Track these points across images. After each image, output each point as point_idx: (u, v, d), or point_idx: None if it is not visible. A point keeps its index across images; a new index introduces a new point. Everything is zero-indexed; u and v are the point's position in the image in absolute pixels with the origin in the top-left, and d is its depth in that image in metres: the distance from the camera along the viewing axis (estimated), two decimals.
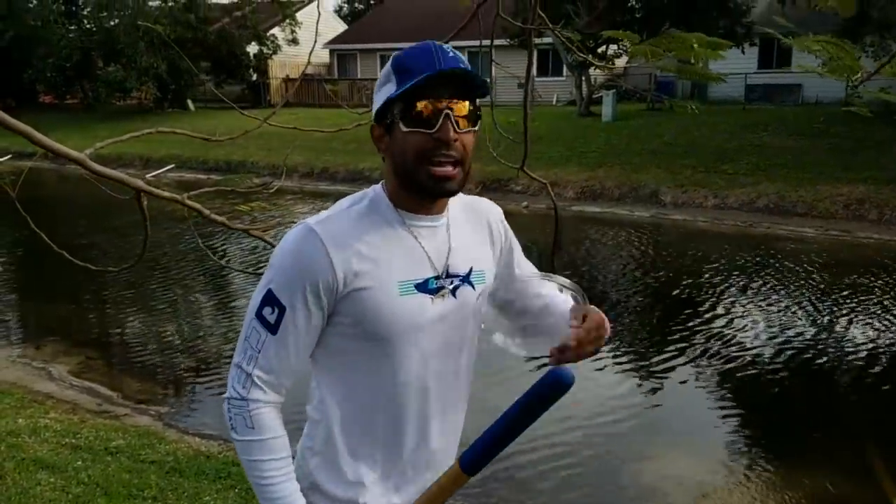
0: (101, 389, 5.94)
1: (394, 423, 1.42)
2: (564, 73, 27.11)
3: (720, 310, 7.98)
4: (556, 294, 1.55)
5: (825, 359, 6.56)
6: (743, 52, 21.05)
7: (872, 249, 10.85)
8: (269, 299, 1.33)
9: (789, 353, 6.67)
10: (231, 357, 1.40)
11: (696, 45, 1.77)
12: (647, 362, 6.57)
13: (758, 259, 10.40)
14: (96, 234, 11.81)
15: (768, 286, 8.93)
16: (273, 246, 1.48)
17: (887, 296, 8.41)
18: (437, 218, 1.43)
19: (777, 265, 10.00)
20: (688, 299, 8.49)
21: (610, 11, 20.74)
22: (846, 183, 13.47)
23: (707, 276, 9.53)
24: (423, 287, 1.39)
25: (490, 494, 4.37)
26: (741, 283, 9.13)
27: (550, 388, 1.27)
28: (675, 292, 8.82)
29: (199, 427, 5.23)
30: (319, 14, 3.56)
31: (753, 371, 6.29)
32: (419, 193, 1.37)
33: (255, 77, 33.03)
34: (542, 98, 27.20)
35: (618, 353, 6.76)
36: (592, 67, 22.00)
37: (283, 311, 1.32)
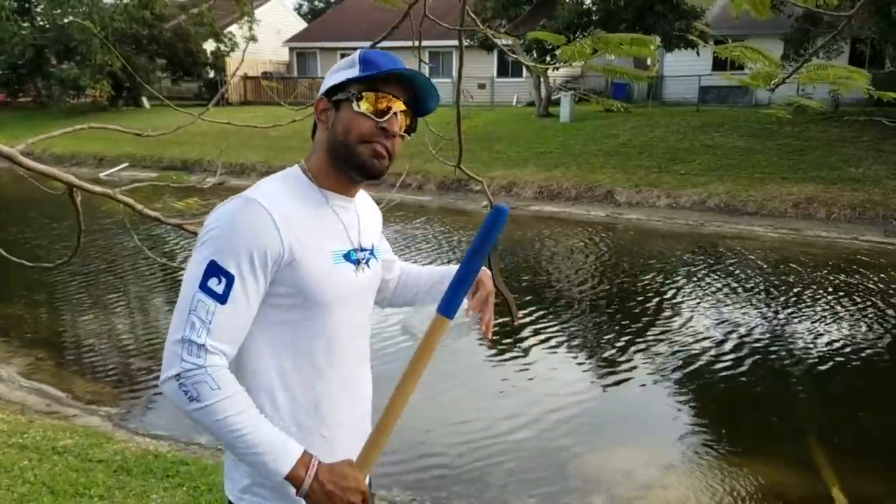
0: (50, 390, 5.86)
1: (332, 381, 1.51)
2: (524, 75, 27.35)
3: (672, 307, 8.16)
4: (408, 268, 1.88)
5: (773, 354, 6.75)
6: (698, 55, 21.43)
7: (820, 248, 11.17)
8: (214, 270, 1.36)
9: (738, 349, 6.85)
10: None
11: (621, 45, 1.84)
12: (600, 358, 6.69)
13: (708, 258, 10.64)
14: (45, 231, 11.60)
15: (718, 284, 9.15)
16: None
17: (834, 293, 8.67)
18: (350, 199, 1.57)
19: (727, 264, 10.25)
20: (641, 297, 8.66)
21: (568, 14, 20.95)
22: (795, 182, 13.84)
23: (659, 274, 9.72)
24: (347, 257, 1.52)
25: (441, 489, 4.43)
26: (692, 281, 9.34)
27: (494, 220, 1.50)
28: (628, 290, 8.99)
29: (148, 427, 5.21)
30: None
31: (703, 366, 6.45)
32: (351, 169, 1.49)
33: (212, 74, 32.64)
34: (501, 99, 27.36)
35: (571, 349, 6.88)
36: (548, 68, 22.22)
37: (231, 279, 1.36)
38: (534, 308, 7.94)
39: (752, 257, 10.56)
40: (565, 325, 7.59)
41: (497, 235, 1.52)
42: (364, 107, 1.46)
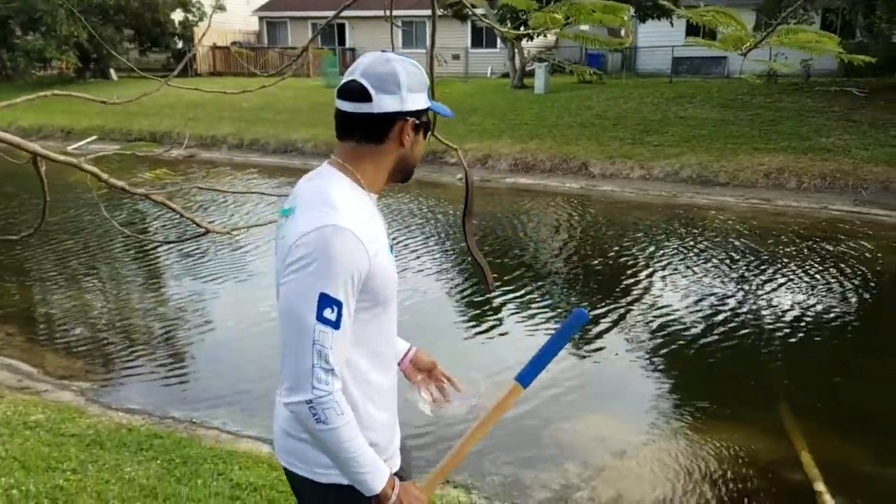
0: (21, 366, 5.78)
1: (392, 370, 1.76)
2: (499, 45, 27.17)
3: (644, 277, 8.24)
4: None
5: (744, 322, 6.85)
6: (671, 25, 21.43)
7: (791, 217, 11.30)
8: (327, 301, 1.49)
9: (710, 317, 6.95)
10: None
11: (594, 12, 1.83)
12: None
13: (681, 228, 10.73)
14: (26, 205, 11.38)
15: (691, 254, 9.24)
16: (175, 211, 1.56)
17: (805, 262, 8.80)
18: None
19: (699, 234, 10.35)
20: (614, 268, 8.73)
21: None
22: (766, 152, 13.96)
23: (632, 245, 9.79)
24: (391, 250, 1.69)
25: (416, 458, 4.45)
26: (664, 251, 9.42)
27: (575, 320, 1.86)
28: (602, 261, 9.05)
29: (122, 402, 5.17)
30: None
31: (675, 334, 6.53)
32: (401, 181, 1.72)
33: (180, 45, 32.02)
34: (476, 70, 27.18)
35: (546, 319, 6.92)
36: (522, 39, 22.08)
37: (340, 307, 1.51)
38: (509, 278, 7.97)
39: (724, 227, 10.67)
40: (540, 296, 7.63)
41: (575, 333, 1.96)
42: (424, 136, 1.71)
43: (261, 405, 5.12)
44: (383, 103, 1.58)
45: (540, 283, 8.09)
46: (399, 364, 1.96)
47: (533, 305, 7.32)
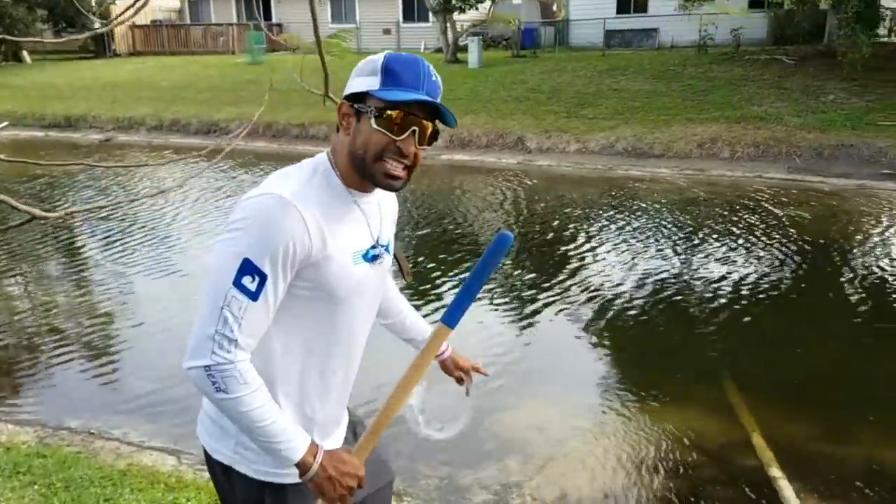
0: None
1: (336, 368, 1.65)
2: (431, 20, 26.60)
3: (582, 254, 7.95)
4: (393, 294, 2.04)
5: (683, 297, 6.63)
6: None
7: (725, 186, 11.20)
8: (249, 268, 1.41)
9: (648, 292, 6.70)
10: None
11: None
12: (510, 310, 6.41)
13: (618, 201, 10.51)
14: None
15: (628, 227, 9.01)
16: None
17: (740, 232, 8.65)
18: (373, 194, 1.63)
19: (636, 206, 10.14)
20: (551, 245, 8.42)
21: None
22: (699, 123, 13.88)
23: (570, 220, 9.52)
24: (366, 256, 1.59)
25: None
26: (602, 226, 9.18)
27: (498, 246, 1.66)
28: (539, 238, 8.74)
29: (10, 413, 4.60)
30: None
31: (614, 313, 6.26)
32: (367, 181, 1.55)
33: (98, 25, 30.46)
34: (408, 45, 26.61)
35: (481, 301, 6.56)
36: (452, 12, 21.63)
37: (264, 279, 1.43)
38: (444, 258, 7.59)
39: (660, 199, 10.50)
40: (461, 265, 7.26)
41: (500, 260, 1.70)
42: (380, 124, 1.49)
43: (168, 411, 4.63)
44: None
45: (474, 262, 7.72)
46: (438, 357, 2.06)
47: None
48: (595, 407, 4.71)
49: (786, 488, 3.71)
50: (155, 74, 22.70)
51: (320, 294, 1.53)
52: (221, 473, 1.69)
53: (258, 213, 1.45)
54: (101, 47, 30.10)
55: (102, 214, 9.36)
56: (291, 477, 1.61)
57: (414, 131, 1.51)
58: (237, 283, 1.43)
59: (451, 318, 1.71)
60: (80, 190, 11.46)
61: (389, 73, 1.50)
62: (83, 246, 8.62)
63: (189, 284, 7.07)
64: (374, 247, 1.62)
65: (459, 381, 2.12)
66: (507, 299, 6.66)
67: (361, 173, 1.54)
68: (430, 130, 1.54)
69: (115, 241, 8.59)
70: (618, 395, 4.86)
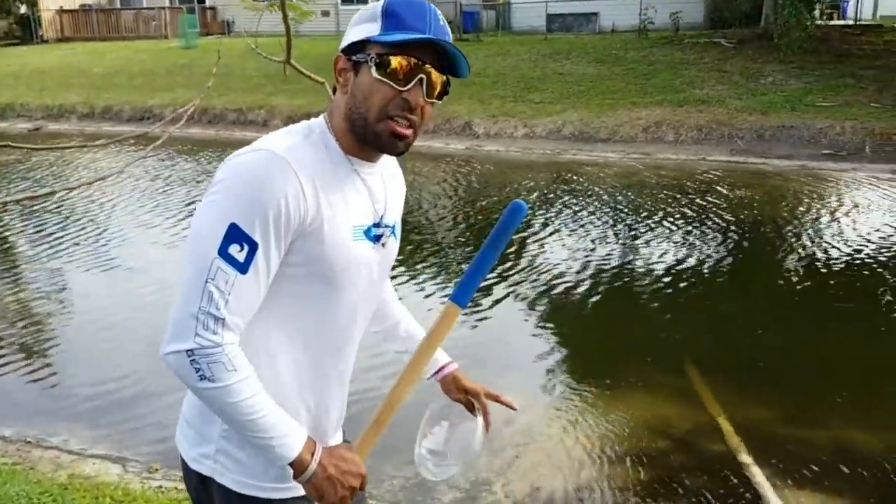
0: None
1: (330, 359, 1.44)
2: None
3: (533, 240, 7.86)
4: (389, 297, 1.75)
5: (640, 282, 6.59)
6: None
7: (671, 170, 11.27)
8: (237, 235, 1.22)
9: (607, 279, 6.64)
10: None
11: None
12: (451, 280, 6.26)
13: (566, 186, 10.47)
14: None
15: (581, 214, 8.97)
16: None
17: (688, 215, 8.69)
18: (376, 165, 1.43)
19: (584, 191, 10.12)
20: (486, 221, 8.30)
21: None
22: (643, 107, 13.94)
23: (509, 197, 9.42)
24: (368, 234, 1.39)
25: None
26: (555, 212, 9.10)
27: (511, 216, 1.49)
28: (488, 225, 8.62)
29: None
30: None
31: (570, 300, 6.18)
32: (368, 143, 1.35)
33: (23, 10, 29.13)
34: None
35: (431, 291, 6.40)
36: None
37: (254, 247, 1.23)
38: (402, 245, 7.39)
39: (608, 184, 10.49)
40: (424, 265, 7.11)
41: (514, 230, 1.52)
42: (383, 74, 1.29)
43: (110, 415, 4.36)
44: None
45: (427, 250, 7.56)
46: (437, 374, 1.75)
47: (420, 277, 6.78)
48: (559, 397, 4.60)
49: (757, 474, 3.66)
50: (85, 61, 21.80)
51: (314, 272, 1.33)
52: (199, 485, 1.47)
53: (246, 170, 1.25)
54: (27, 33, 28.77)
55: (36, 205, 8.87)
56: (279, 491, 1.42)
57: (421, 80, 1.30)
58: (223, 253, 1.22)
59: (462, 295, 1.50)
60: (12, 181, 10.90)
61: (391, 16, 1.30)
62: (14, 240, 8.15)
63: (129, 279, 6.72)
64: (376, 224, 1.42)
65: (469, 406, 1.74)
66: (443, 278, 6.51)
67: (363, 136, 1.34)
68: (440, 82, 1.34)
69: (50, 234, 8.15)
70: (581, 384, 4.76)
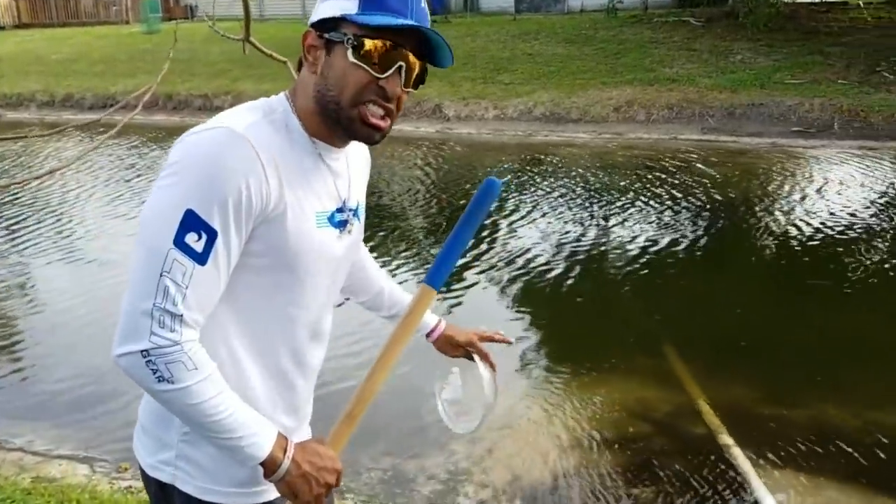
0: None
1: (297, 352, 1.36)
2: None
3: (511, 222, 7.78)
4: (368, 264, 1.69)
5: (615, 264, 6.55)
6: None
7: (643, 149, 11.24)
8: (194, 222, 1.11)
9: (582, 261, 6.59)
10: None
11: None
12: (425, 266, 6.18)
13: (537, 167, 10.40)
14: None
15: (551, 195, 8.90)
16: None
17: (661, 194, 8.67)
18: (341, 150, 1.35)
19: (556, 172, 10.05)
20: (460, 206, 8.22)
21: None
22: (614, 86, 13.88)
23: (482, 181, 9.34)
24: (332, 220, 1.32)
25: None
26: (528, 193, 9.03)
27: (485, 193, 1.43)
28: (460, 207, 8.53)
29: None
30: None
31: (542, 281, 6.12)
32: (341, 129, 1.27)
33: None
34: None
35: (409, 279, 6.31)
36: None
37: (213, 236, 1.13)
38: (376, 231, 7.27)
39: (580, 165, 10.44)
40: (396, 250, 7.01)
41: (488, 209, 1.47)
42: (360, 58, 1.21)
43: (76, 413, 4.22)
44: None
45: (402, 236, 7.45)
46: (429, 337, 1.73)
47: (395, 263, 6.68)
48: (537, 382, 4.54)
49: (739, 455, 3.64)
50: (44, 47, 21.21)
51: (277, 263, 1.24)
52: (159, 492, 1.38)
53: (202, 149, 1.15)
54: None
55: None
56: (245, 497, 1.34)
57: (400, 67, 1.23)
58: (179, 243, 1.13)
59: (436, 277, 1.45)
60: None
61: None
62: None
63: (97, 272, 6.53)
64: (340, 209, 1.34)
65: (470, 358, 1.75)
66: (417, 264, 6.42)
67: (333, 120, 1.25)
68: (417, 69, 1.26)
69: (13, 225, 7.91)
70: (559, 369, 4.71)
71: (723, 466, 3.59)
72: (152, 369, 1.15)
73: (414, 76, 1.27)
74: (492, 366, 1.69)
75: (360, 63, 1.21)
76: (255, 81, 14.88)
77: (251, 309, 1.28)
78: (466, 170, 10.51)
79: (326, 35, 1.23)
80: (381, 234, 7.40)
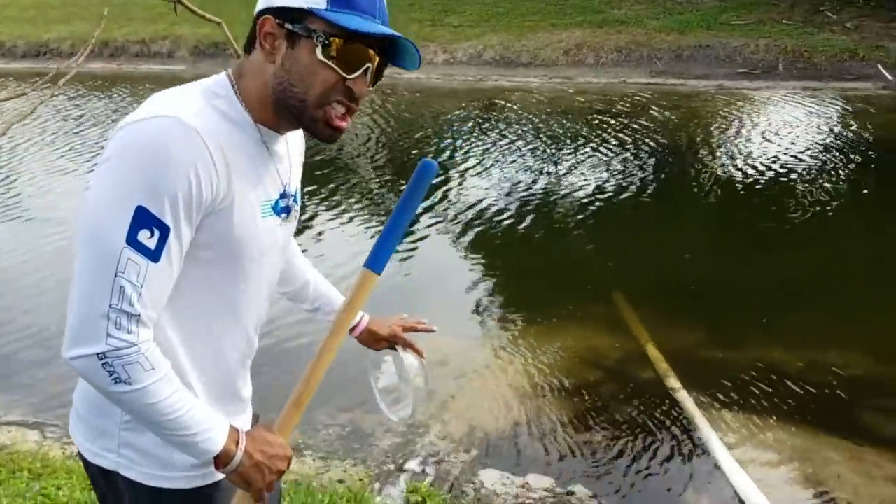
0: None
1: (242, 341, 1.36)
2: None
3: (459, 170, 7.76)
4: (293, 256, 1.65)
5: (563, 210, 6.60)
6: None
7: (593, 94, 11.24)
8: (146, 219, 1.08)
9: (530, 209, 6.63)
10: None
11: None
12: (378, 223, 6.16)
13: (489, 113, 10.34)
14: None
15: (503, 141, 8.88)
16: None
17: (610, 139, 8.71)
18: (283, 135, 1.32)
19: (507, 118, 10.02)
20: (413, 155, 8.14)
21: None
22: (563, 28, 13.78)
23: (442, 133, 9.29)
24: (275, 208, 1.30)
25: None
26: (477, 140, 8.99)
27: (420, 177, 1.43)
28: (409, 156, 8.47)
29: None
30: None
31: (492, 229, 6.16)
32: (296, 125, 1.26)
33: None
34: None
35: (349, 228, 6.27)
36: None
37: (166, 232, 1.11)
38: (311, 188, 7.19)
39: (531, 110, 10.41)
40: (343, 202, 6.95)
41: (425, 190, 1.46)
42: (329, 57, 1.18)
43: (22, 376, 4.15)
44: None
45: (341, 187, 7.38)
46: (352, 333, 1.67)
47: (333, 211, 6.62)
48: (490, 334, 4.60)
49: (685, 398, 3.76)
50: None
51: (222, 254, 1.22)
52: (102, 479, 1.36)
53: (148, 140, 1.10)
54: None
55: None
56: (192, 480, 1.32)
57: (368, 68, 1.21)
58: (132, 241, 1.09)
59: (377, 261, 1.42)
60: None
61: None
62: None
63: (44, 230, 6.34)
64: (283, 195, 1.31)
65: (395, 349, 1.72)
66: (379, 223, 6.39)
67: (293, 115, 1.22)
68: (376, 67, 1.25)
69: None
70: (511, 320, 4.77)
71: (671, 410, 3.71)
72: (108, 371, 1.12)
73: (377, 74, 1.26)
74: (419, 353, 1.69)
75: (328, 63, 1.18)
76: (192, 26, 14.33)
77: (200, 301, 1.26)
78: (418, 117, 10.41)
79: (289, 26, 1.18)
80: (332, 186, 7.32)
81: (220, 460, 1.23)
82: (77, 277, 1.13)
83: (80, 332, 1.12)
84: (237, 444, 1.24)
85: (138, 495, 1.33)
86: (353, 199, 7.02)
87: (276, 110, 1.24)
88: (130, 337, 1.12)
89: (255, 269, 1.29)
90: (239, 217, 1.21)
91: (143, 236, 1.10)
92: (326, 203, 6.82)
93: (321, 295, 1.70)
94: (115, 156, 1.12)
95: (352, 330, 1.69)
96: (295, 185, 1.38)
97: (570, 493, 3.07)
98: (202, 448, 1.21)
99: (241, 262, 1.26)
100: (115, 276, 1.10)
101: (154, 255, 1.11)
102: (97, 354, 1.11)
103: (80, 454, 1.38)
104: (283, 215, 1.33)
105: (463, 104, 11.00)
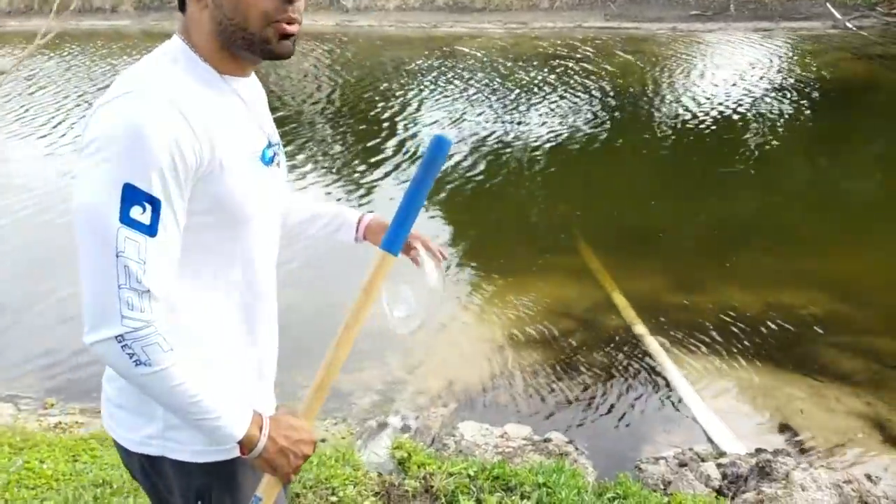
0: None
1: (259, 303, 1.34)
2: None
3: (416, 121, 7.71)
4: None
5: (524, 159, 6.63)
6: None
7: (549, 39, 11.20)
8: (134, 195, 1.09)
9: (490, 159, 6.65)
10: None
11: None
12: (348, 187, 6.14)
13: (443, 61, 10.24)
14: None
15: (459, 90, 8.83)
16: None
17: (567, 85, 8.73)
18: (249, 80, 1.30)
19: (462, 67, 9.94)
20: (379, 111, 8.10)
21: None
22: None
23: (396, 84, 9.19)
24: (264, 158, 1.28)
25: None
26: (432, 89, 8.92)
27: (435, 152, 1.39)
28: (365, 105, 8.39)
29: None
30: None
31: (456, 182, 6.17)
32: (254, 54, 1.22)
33: None
34: None
35: (313, 174, 6.23)
36: None
37: (157, 204, 1.11)
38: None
39: (486, 57, 10.34)
40: (299, 149, 6.89)
41: (440, 167, 1.41)
42: None
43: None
44: None
45: (296, 137, 7.30)
46: (357, 234, 1.62)
47: (305, 181, 6.57)
48: (459, 290, 4.65)
49: (652, 343, 3.89)
50: None
51: (223, 217, 1.21)
52: (149, 468, 1.35)
53: (123, 119, 1.10)
54: None
55: None
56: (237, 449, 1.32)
57: None
58: (125, 219, 1.09)
59: (393, 242, 1.41)
60: None
61: None
62: None
63: (5, 197, 6.17)
64: (269, 146, 1.30)
65: (416, 260, 1.62)
66: (337, 178, 6.37)
67: (245, 48, 1.20)
68: None
69: None
70: (479, 274, 4.84)
71: (639, 355, 3.83)
72: (129, 353, 1.13)
73: None
74: (437, 255, 1.61)
75: None
76: None
77: (209, 270, 1.25)
78: (376, 67, 10.25)
79: None
80: (300, 141, 7.23)
81: (245, 446, 1.23)
82: (82, 267, 1.13)
83: (96, 318, 1.13)
84: (261, 429, 1.24)
85: (191, 476, 1.33)
86: (320, 157, 6.96)
87: (231, 52, 1.22)
88: (144, 315, 1.12)
89: (257, 223, 1.28)
90: (230, 175, 1.20)
91: (136, 213, 1.10)
92: (291, 161, 6.76)
93: (317, 215, 1.64)
94: (94, 140, 1.11)
95: (357, 230, 1.63)
96: (276, 135, 1.36)
97: (548, 440, 3.17)
98: (225, 433, 1.21)
99: (242, 219, 1.25)
100: (117, 256, 1.10)
101: (150, 230, 1.12)
102: (115, 337, 1.12)
103: (119, 445, 1.37)
104: (272, 164, 1.31)
105: (425, 52, 10.86)
